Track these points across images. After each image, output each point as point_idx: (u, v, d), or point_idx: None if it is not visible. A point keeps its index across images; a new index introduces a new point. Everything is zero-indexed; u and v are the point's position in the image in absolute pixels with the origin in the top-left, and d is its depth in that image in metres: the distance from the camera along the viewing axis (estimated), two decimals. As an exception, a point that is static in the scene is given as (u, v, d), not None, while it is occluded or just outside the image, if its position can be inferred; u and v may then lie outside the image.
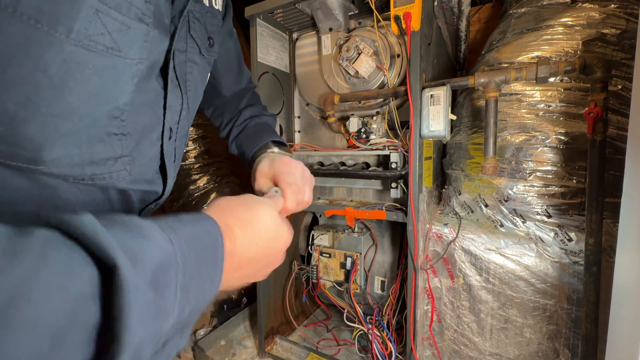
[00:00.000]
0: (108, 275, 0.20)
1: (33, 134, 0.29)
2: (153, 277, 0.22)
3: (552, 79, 0.81)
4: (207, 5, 0.47)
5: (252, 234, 0.33)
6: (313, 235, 1.23)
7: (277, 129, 1.19)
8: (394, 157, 0.92)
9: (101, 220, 0.21)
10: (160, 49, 0.38)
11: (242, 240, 0.32)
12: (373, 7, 0.91)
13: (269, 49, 1.15)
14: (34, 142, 0.29)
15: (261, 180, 0.50)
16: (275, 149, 0.59)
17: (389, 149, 0.95)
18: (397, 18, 0.83)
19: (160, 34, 0.37)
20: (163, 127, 0.42)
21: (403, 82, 0.97)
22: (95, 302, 0.19)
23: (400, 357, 1.01)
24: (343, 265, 1.14)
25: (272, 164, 0.49)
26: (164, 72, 0.41)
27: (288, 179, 0.46)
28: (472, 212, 0.96)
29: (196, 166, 1.71)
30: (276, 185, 0.47)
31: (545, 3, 0.93)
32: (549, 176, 0.81)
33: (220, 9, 0.52)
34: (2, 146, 0.28)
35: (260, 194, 0.49)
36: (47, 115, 0.29)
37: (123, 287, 0.19)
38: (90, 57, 0.30)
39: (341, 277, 1.15)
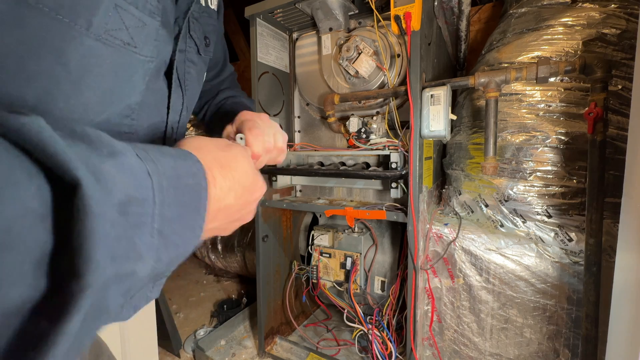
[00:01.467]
0: (66, 194, 0.16)
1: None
2: (123, 208, 0.18)
3: (552, 79, 0.81)
4: (204, 5, 0.48)
5: (231, 178, 0.30)
6: (313, 235, 1.23)
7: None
8: (394, 157, 0.92)
9: (58, 131, 0.17)
10: (167, 49, 0.39)
11: (222, 184, 0.28)
12: (373, 7, 0.91)
13: (269, 49, 1.14)
14: None
15: (224, 133, 0.48)
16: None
17: (389, 149, 0.95)
18: (397, 18, 0.83)
19: (167, 34, 0.38)
20: (166, 126, 0.43)
21: (403, 82, 0.97)
22: (44, 223, 0.15)
23: (400, 357, 1.01)
24: (343, 265, 1.14)
25: (237, 118, 0.47)
26: (167, 71, 0.41)
27: (249, 125, 0.43)
28: (473, 212, 0.96)
29: (196, 166, 1.72)
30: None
31: (545, 3, 0.93)
32: (549, 176, 0.81)
33: (215, 9, 0.52)
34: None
35: None
36: (63, 110, 0.29)
37: (87, 209, 0.15)
38: (108, 53, 0.30)
39: (341, 277, 1.15)
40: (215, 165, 0.28)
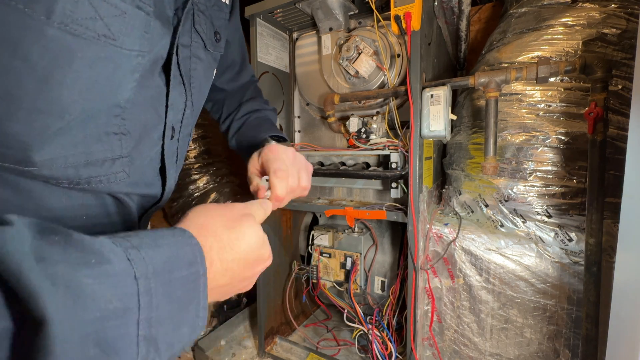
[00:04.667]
0: (33, 324, 0.15)
1: (17, 131, 0.26)
2: (100, 329, 0.17)
3: (552, 79, 0.81)
4: None
5: (230, 260, 0.29)
6: (313, 235, 1.23)
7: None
8: (394, 157, 0.92)
9: (42, 239, 0.17)
10: (163, 43, 0.36)
11: (218, 267, 0.28)
12: (373, 6, 0.91)
13: (269, 49, 1.14)
14: (19, 140, 0.26)
15: (250, 171, 0.48)
16: (273, 143, 0.56)
17: (389, 149, 0.95)
18: (397, 18, 0.83)
19: (162, 26, 0.35)
20: (165, 126, 0.40)
21: (403, 82, 0.97)
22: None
23: (400, 357, 1.01)
24: (343, 265, 1.14)
25: (260, 154, 0.47)
26: (166, 67, 0.39)
27: (274, 165, 0.43)
28: (473, 212, 0.96)
29: (196, 166, 1.71)
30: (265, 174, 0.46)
31: (545, 3, 0.93)
32: (549, 176, 0.81)
33: (227, 2, 0.49)
34: None
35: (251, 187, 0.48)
36: (32, 111, 0.26)
37: (49, 352, 0.15)
38: (79, 45, 0.27)
39: (341, 277, 1.15)
40: (214, 246, 0.28)
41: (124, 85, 0.32)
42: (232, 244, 0.29)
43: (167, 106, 0.39)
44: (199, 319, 0.24)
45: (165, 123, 0.40)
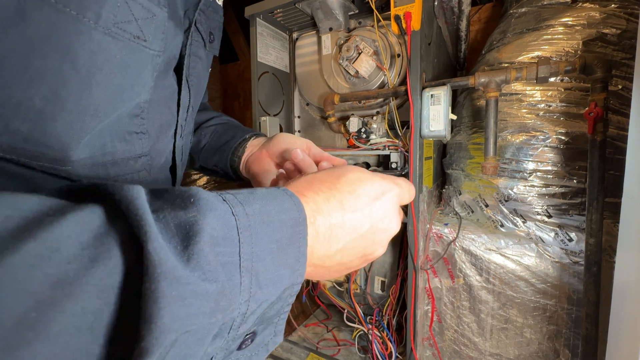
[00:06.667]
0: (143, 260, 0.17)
1: (60, 132, 0.27)
2: (208, 253, 0.19)
3: (552, 79, 0.81)
4: None
5: (337, 215, 0.27)
6: (313, 235, 1.23)
7: (277, 129, 1.19)
8: (394, 157, 0.92)
9: (154, 195, 0.19)
10: (175, 43, 0.37)
11: (327, 207, 0.26)
12: (373, 6, 0.91)
13: (269, 49, 1.14)
14: (61, 141, 0.27)
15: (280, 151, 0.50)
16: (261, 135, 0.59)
17: (389, 149, 0.95)
18: (397, 18, 0.83)
19: (175, 27, 0.36)
20: (177, 124, 0.41)
21: (403, 82, 0.97)
22: (117, 297, 0.16)
23: (400, 357, 1.01)
24: (343, 265, 1.14)
25: (295, 138, 0.50)
26: (177, 67, 0.40)
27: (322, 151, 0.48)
28: (473, 212, 0.96)
29: (196, 166, 1.71)
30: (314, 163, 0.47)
31: (545, 3, 0.93)
32: (549, 176, 0.81)
33: (221, 5, 0.50)
34: (28, 145, 0.26)
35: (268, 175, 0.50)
36: (73, 112, 0.27)
37: (150, 274, 0.16)
38: (118, 47, 0.28)
39: (341, 277, 1.15)
40: (321, 192, 0.27)
41: (146, 85, 0.33)
42: (344, 190, 0.28)
43: (178, 105, 0.41)
44: (299, 264, 0.24)
45: (177, 122, 0.41)
